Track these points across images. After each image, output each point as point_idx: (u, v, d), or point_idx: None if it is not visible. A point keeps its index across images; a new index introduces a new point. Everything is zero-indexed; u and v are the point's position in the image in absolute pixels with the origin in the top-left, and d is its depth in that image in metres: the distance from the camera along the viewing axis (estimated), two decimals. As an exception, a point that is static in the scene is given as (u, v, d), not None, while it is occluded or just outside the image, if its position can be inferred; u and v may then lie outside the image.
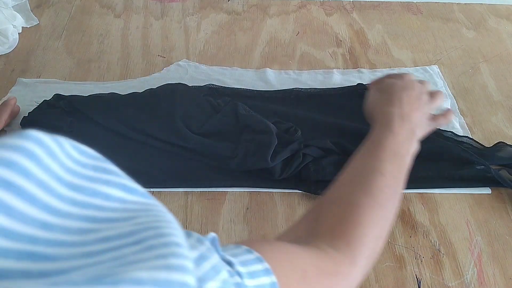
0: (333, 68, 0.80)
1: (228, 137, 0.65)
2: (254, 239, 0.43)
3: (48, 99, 0.70)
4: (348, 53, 0.84)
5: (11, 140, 0.20)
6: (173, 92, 0.70)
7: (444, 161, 0.64)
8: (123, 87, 0.74)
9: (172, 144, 0.65)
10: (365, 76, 0.78)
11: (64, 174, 0.21)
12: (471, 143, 0.67)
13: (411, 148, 0.52)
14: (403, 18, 0.93)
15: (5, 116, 0.65)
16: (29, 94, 0.73)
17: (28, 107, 0.69)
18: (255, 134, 0.64)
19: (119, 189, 0.23)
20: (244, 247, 0.31)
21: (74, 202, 0.21)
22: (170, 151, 0.65)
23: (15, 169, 0.19)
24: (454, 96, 0.75)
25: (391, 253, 0.56)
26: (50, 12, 0.90)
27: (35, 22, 0.87)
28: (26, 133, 0.20)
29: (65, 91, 0.72)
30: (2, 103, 0.67)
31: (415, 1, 0.97)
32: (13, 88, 0.74)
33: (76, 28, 0.87)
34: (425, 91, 0.59)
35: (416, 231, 0.58)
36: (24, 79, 0.75)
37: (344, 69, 0.80)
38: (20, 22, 0.85)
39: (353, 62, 0.82)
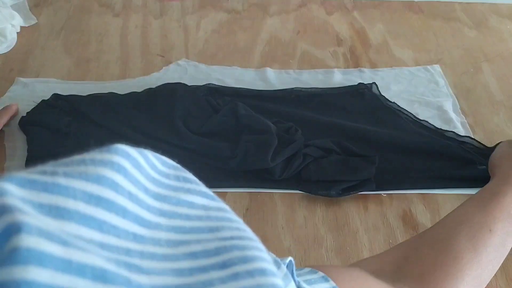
0: (334, 68, 0.79)
1: (228, 137, 0.65)
2: (333, 265, 0.40)
3: (46, 99, 0.69)
4: (349, 52, 0.83)
5: (100, 155, 0.20)
6: (172, 92, 0.70)
7: (445, 161, 0.63)
8: (122, 87, 0.74)
9: (171, 144, 0.64)
10: (366, 76, 0.78)
11: (150, 185, 0.22)
12: (472, 143, 0.66)
13: None
14: (405, 17, 0.92)
15: (5, 120, 0.65)
16: (27, 94, 0.72)
17: (26, 107, 0.69)
18: (255, 134, 0.63)
19: (201, 196, 0.24)
20: (321, 274, 0.29)
21: (162, 213, 0.21)
22: (169, 151, 0.64)
23: (105, 183, 0.19)
24: (455, 95, 0.75)
25: (392, 254, 0.55)
26: (48, 11, 0.90)
27: (33, 21, 0.87)
28: (114, 147, 0.21)
29: (64, 91, 0.71)
30: (4, 108, 0.66)
31: (416, 0, 0.96)
32: (11, 87, 0.74)
33: (74, 27, 0.86)
34: None
35: (417, 231, 0.57)
36: (22, 79, 0.75)
37: (345, 68, 0.80)
38: (18, 21, 0.84)
39: (354, 61, 0.81)
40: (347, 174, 0.60)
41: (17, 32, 0.83)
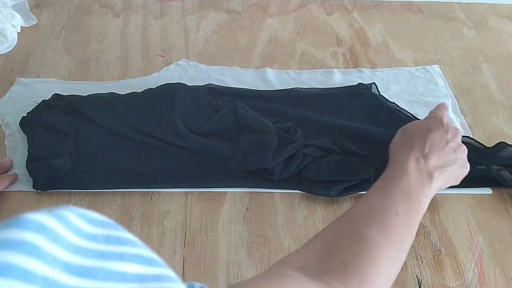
0: (334, 68, 0.79)
1: (228, 137, 0.65)
2: (256, 277, 0.41)
3: (47, 99, 0.70)
4: (348, 53, 0.83)
5: (5, 233, 0.17)
6: (172, 92, 0.70)
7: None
8: (122, 87, 0.74)
9: (171, 144, 0.64)
10: (366, 76, 0.78)
11: (72, 257, 0.19)
12: (472, 143, 0.66)
13: (428, 191, 0.51)
14: (404, 18, 0.92)
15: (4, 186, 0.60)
16: (28, 94, 0.72)
17: (27, 107, 0.69)
18: (255, 134, 0.63)
19: (135, 262, 0.20)
20: None
21: None
22: (170, 151, 0.64)
23: (12, 274, 0.16)
24: (455, 96, 0.75)
25: (392, 253, 0.55)
26: (49, 12, 0.90)
27: (34, 21, 0.87)
28: (23, 220, 0.18)
29: (64, 91, 0.71)
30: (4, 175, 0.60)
31: (415, 1, 0.96)
32: (12, 88, 0.74)
33: (75, 28, 0.87)
34: (453, 133, 0.57)
35: (417, 231, 0.57)
36: (23, 79, 0.75)
37: (344, 68, 0.80)
38: (19, 21, 0.84)
39: (353, 61, 0.81)
40: (347, 174, 0.60)
41: (18, 33, 0.84)
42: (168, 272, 0.21)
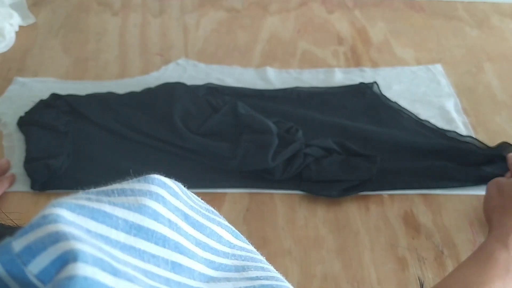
0: (335, 67, 0.79)
1: (228, 137, 0.64)
2: None
3: (44, 99, 0.69)
4: (350, 51, 0.83)
5: (138, 185, 0.21)
6: (171, 92, 0.69)
7: (447, 161, 0.63)
8: (121, 86, 0.73)
9: (170, 144, 0.64)
10: (367, 75, 0.77)
11: (189, 211, 0.23)
12: (474, 143, 0.66)
13: None
14: (406, 16, 0.91)
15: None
16: (25, 94, 0.72)
17: (24, 107, 0.68)
18: (255, 134, 0.63)
19: (227, 231, 0.24)
20: None
21: (197, 242, 0.22)
22: (169, 151, 0.64)
23: (145, 213, 0.20)
24: (457, 95, 0.74)
25: (394, 255, 0.55)
26: (47, 10, 0.89)
27: (32, 20, 0.86)
28: (150, 178, 0.22)
29: (62, 90, 0.71)
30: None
31: (417, -1, 0.96)
32: (9, 87, 0.73)
33: (73, 26, 0.86)
34: None
35: (419, 232, 0.57)
36: (20, 78, 0.74)
37: (346, 67, 0.79)
38: (17, 20, 0.84)
39: (355, 60, 0.81)
40: (348, 174, 0.60)
41: (16, 31, 0.83)
42: (249, 246, 0.25)
